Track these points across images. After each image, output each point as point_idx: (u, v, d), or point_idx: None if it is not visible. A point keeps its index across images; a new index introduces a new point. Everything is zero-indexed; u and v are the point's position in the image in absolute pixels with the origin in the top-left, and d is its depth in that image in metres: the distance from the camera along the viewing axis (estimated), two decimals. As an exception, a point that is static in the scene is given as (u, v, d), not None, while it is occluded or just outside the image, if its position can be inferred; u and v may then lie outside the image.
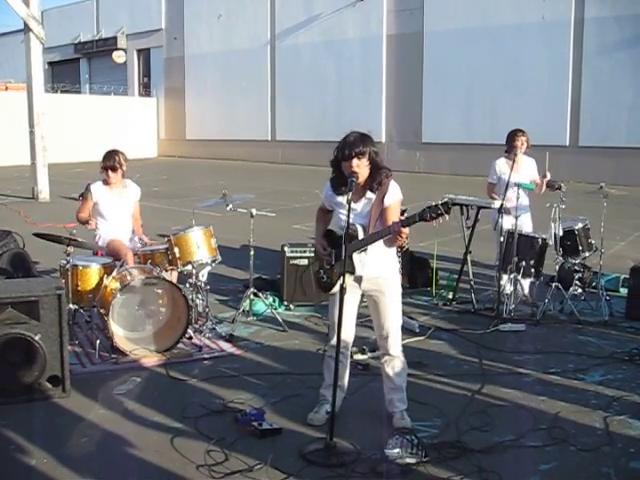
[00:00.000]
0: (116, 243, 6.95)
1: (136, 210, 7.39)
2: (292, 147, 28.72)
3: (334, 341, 4.68)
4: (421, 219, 4.17)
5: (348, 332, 4.74)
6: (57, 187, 18.03)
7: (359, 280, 4.65)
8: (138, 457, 4.32)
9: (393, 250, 4.71)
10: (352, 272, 4.54)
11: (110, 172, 7.08)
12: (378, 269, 4.62)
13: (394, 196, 4.53)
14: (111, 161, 7.08)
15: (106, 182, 7.14)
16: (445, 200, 4.13)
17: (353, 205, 4.50)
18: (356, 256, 4.52)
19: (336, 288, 4.60)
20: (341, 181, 4.53)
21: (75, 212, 7.20)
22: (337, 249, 4.62)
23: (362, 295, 4.81)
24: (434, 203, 4.12)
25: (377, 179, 4.51)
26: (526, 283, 7.48)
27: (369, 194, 4.55)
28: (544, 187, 7.78)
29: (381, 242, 4.46)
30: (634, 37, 20.43)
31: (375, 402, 4.96)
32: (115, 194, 7.15)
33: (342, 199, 4.56)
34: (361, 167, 4.44)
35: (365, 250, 4.53)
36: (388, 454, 4.20)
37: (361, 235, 4.50)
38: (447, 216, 4.11)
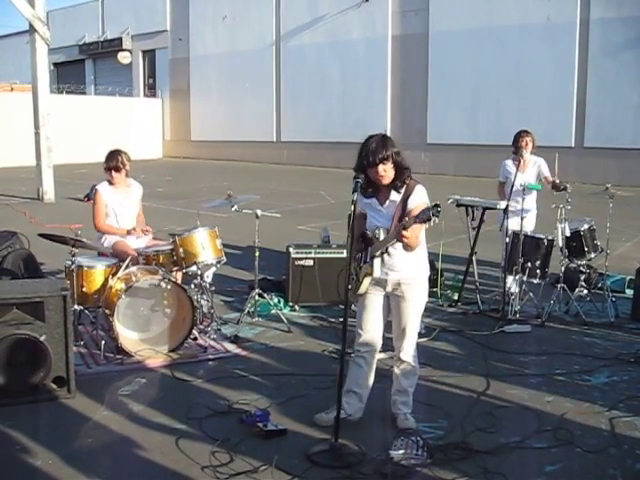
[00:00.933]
0: (121, 245, 6.95)
1: (139, 209, 7.41)
2: (297, 148, 28.73)
3: (358, 347, 4.74)
4: (414, 222, 4.19)
5: (373, 334, 4.73)
6: (62, 188, 18.05)
7: (384, 283, 4.65)
8: (143, 458, 4.32)
9: (422, 255, 4.68)
10: (371, 274, 4.56)
11: (114, 172, 7.08)
12: (402, 274, 4.61)
13: (418, 200, 4.49)
14: (114, 161, 7.08)
15: (110, 182, 7.15)
16: (436, 203, 4.13)
17: (380, 207, 4.58)
18: (377, 259, 4.53)
19: (363, 289, 4.61)
20: (368, 185, 4.55)
21: (93, 221, 7.15)
22: (365, 252, 4.62)
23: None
24: (427, 206, 4.12)
25: (401, 178, 4.52)
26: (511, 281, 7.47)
27: (394, 195, 4.54)
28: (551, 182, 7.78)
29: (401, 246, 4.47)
30: (639, 38, 20.39)
31: (380, 403, 4.94)
32: (121, 194, 7.17)
33: (370, 201, 4.59)
34: (387, 171, 4.46)
35: (388, 253, 4.54)
36: (393, 455, 4.20)
37: (383, 237, 4.51)
38: (436, 219, 4.11)
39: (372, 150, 4.44)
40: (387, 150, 4.45)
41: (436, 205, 4.09)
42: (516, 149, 7.71)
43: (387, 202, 4.59)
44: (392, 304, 4.73)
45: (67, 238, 6.24)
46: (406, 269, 4.61)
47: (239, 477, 4.04)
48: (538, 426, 4.77)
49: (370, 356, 4.78)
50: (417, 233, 4.39)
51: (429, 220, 4.10)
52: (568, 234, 7.35)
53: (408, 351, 4.75)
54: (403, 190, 4.53)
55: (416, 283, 4.68)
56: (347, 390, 4.75)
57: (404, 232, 4.26)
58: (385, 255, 4.55)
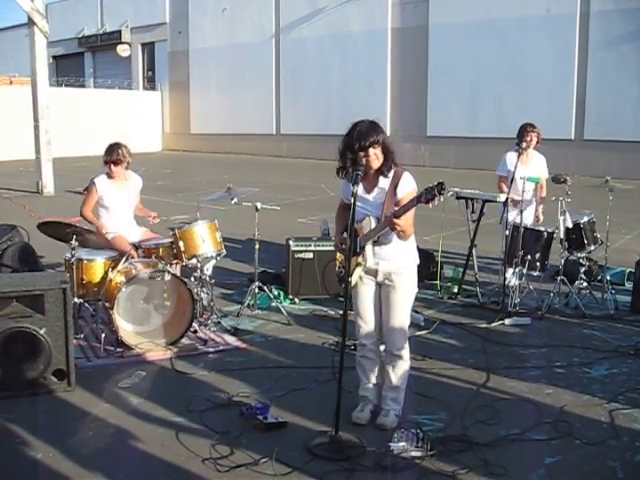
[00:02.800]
0: (119, 240, 6.95)
1: (138, 201, 7.40)
2: (297, 141, 28.69)
3: (362, 340, 4.72)
4: (418, 202, 4.17)
5: (373, 324, 4.69)
6: (62, 181, 18.03)
7: (375, 272, 4.62)
8: (143, 451, 4.33)
9: (412, 244, 4.65)
10: (363, 264, 4.54)
11: (113, 166, 7.07)
12: (393, 264, 4.57)
13: (408, 187, 4.47)
14: (114, 155, 7.07)
15: (110, 175, 7.14)
16: (440, 181, 4.09)
17: (366, 196, 4.51)
18: (369, 248, 4.51)
19: (354, 280, 4.59)
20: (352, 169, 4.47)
21: (80, 207, 7.20)
22: (353, 242, 4.59)
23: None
24: (430, 185, 4.10)
25: (388, 163, 4.47)
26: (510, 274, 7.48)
27: (382, 182, 4.50)
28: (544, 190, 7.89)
29: (394, 236, 4.43)
30: (639, 30, 20.35)
31: (380, 396, 4.94)
32: (119, 187, 7.16)
33: (356, 189, 4.42)
34: (378, 155, 4.42)
35: (378, 243, 4.52)
36: (393, 448, 4.20)
37: (373, 225, 4.48)
38: (442, 197, 4.09)
39: (364, 133, 4.39)
40: (378, 134, 4.41)
41: (440, 183, 4.06)
42: (520, 141, 7.68)
43: (375, 190, 4.54)
44: (383, 295, 4.67)
45: (67, 224, 6.19)
46: (397, 259, 4.58)
47: (239, 470, 4.04)
48: (538, 418, 4.78)
49: (376, 346, 4.76)
50: (410, 220, 4.39)
51: (434, 199, 4.08)
52: (570, 225, 7.34)
53: (400, 345, 4.67)
54: (391, 176, 4.49)
55: (407, 272, 4.64)
56: (366, 385, 4.76)
57: (396, 220, 4.24)
58: (376, 245, 4.53)
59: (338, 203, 4.88)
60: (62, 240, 6.27)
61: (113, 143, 7.22)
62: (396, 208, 4.34)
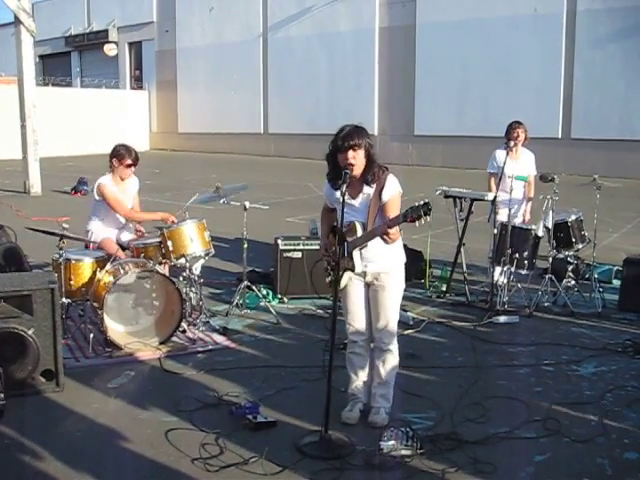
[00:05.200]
0: (107, 242, 6.91)
1: (136, 204, 7.33)
2: (285, 140, 28.68)
3: (352, 337, 4.72)
4: (404, 220, 4.16)
5: (363, 324, 4.70)
6: (49, 181, 17.96)
7: (363, 274, 4.63)
8: (132, 451, 4.31)
9: (398, 244, 4.64)
10: (352, 269, 4.54)
11: (133, 168, 7.04)
12: (381, 265, 4.58)
13: (392, 190, 4.47)
14: (133, 156, 7.02)
15: (120, 177, 7.05)
16: (426, 201, 4.09)
17: (352, 201, 4.51)
18: (356, 253, 4.51)
19: (343, 283, 4.60)
20: (338, 175, 4.46)
21: (121, 212, 7.02)
22: (340, 245, 4.58)
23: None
24: (416, 204, 4.09)
25: (372, 171, 4.46)
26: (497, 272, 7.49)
27: (366, 189, 4.50)
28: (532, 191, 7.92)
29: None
30: (626, 29, 20.44)
31: (370, 394, 4.94)
32: (121, 189, 7.07)
33: (344, 187, 4.38)
34: (357, 159, 4.39)
35: (365, 246, 4.51)
36: (383, 446, 4.20)
37: (360, 231, 4.48)
38: (428, 217, 4.09)
39: (343, 135, 4.40)
40: (360, 138, 4.40)
41: (426, 204, 4.06)
42: (508, 140, 7.71)
43: (360, 195, 4.54)
44: (372, 294, 4.69)
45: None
46: (384, 260, 4.59)
47: (229, 469, 4.03)
48: (527, 416, 4.79)
49: (366, 343, 4.77)
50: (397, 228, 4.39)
51: (420, 219, 4.08)
52: (550, 226, 7.38)
53: (389, 341, 4.69)
54: (375, 183, 4.48)
55: (394, 272, 4.65)
56: (355, 383, 4.76)
57: (390, 231, 4.24)
58: (362, 248, 4.52)
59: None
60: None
61: (124, 144, 7.13)
62: (390, 217, 4.33)
